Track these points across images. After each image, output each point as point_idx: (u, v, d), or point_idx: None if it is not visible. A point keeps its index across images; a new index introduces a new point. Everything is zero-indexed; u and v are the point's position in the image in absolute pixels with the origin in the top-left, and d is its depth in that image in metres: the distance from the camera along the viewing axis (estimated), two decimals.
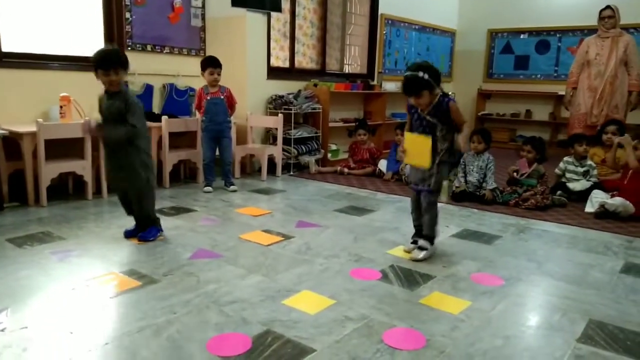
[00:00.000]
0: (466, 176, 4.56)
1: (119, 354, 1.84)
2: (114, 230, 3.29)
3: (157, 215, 3.25)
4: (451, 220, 3.80)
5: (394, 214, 3.97)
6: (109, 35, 4.64)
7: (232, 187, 4.51)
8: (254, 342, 1.94)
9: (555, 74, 8.10)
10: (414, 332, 2.07)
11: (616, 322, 2.20)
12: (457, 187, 4.48)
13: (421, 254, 2.88)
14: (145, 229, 3.14)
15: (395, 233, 3.43)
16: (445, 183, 2.96)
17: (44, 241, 3.03)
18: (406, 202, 4.32)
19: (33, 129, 3.68)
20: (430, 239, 2.95)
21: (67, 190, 4.28)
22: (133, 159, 3.00)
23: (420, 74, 2.68)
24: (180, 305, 2.25)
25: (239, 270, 2.67)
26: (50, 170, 3.82)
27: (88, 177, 4.03)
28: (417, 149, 2.82)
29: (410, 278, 2.64)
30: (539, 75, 8.28)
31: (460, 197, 4.37)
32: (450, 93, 2.61)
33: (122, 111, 2.91)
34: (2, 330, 1.98)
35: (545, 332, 2.12)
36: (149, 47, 4.87)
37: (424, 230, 2.96)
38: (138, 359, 1.81)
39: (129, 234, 3.17)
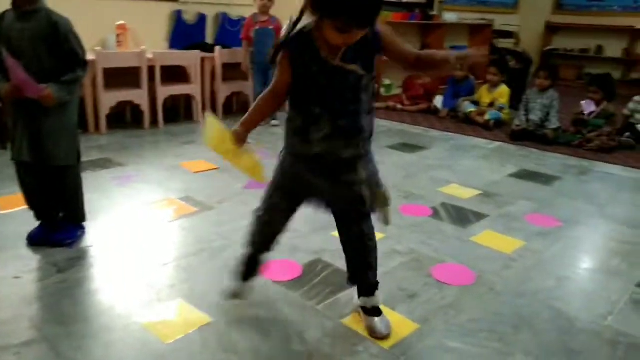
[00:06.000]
0: (528, 114, 4.34)
1: (178, 274, 1.94)
2: (171, 158, 3.39)
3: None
4: (509, 160, 3.67)
5: (448, 151, 3.87)
6: None
7: (273, 122, 4.31)
8: (304, 269, 1.99)
9: (635, 5, 7.40)
10: (463, 269, 2.06)
11: None
12: (517, 125, 4.29)
13: (384, 325, 1.62)
14: (61, 227, 2.15)
15: (448, 171, 3.36)
16: (381, 192, 1.54)
17: (105, 167, 3.16)
18: (462, 140, 4.21)
19: (91, 57, 3.75)
20: (375, 286, 1.67)
21: (124, 119, 4.40)
22: (59, 120, 1.99)
23: None
24: (235, 231, 2.31)
25: None
26: (109, 99, 3.92)
27: (145, 107, 4.12)
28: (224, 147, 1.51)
29: (462, 216, 2.60)
30: (615, 7, 7.60)
31: (520, 136, 4.19)
32: None
33: (49, 41, 1.89)
34: (71, 247, 2.11)
35: (601, 276, 2.06)
36: None
37: (363, 277, 1.64)
38: (195, 279, 1.90)
39: (35, 238, 2.11)
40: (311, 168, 1.49)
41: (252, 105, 1.53)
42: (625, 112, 4.49)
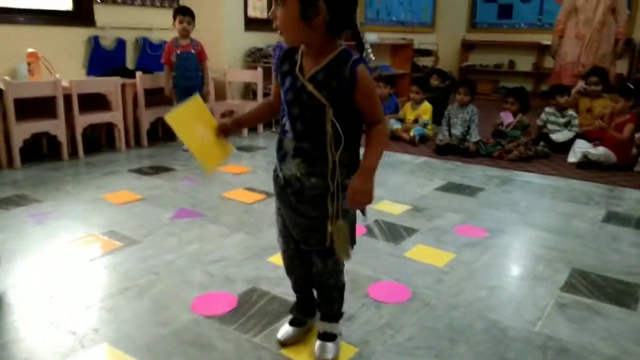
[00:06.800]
0: (450, 129, 4.52)
1: (102, 317, 1.81)
2: (92, 191, 3.21)
3: None
4: (435, 174, 3.78)
5: (378, 168, 3.93)
6: None
7: (185, 147, 4.29)
8: (239, 300, 1.93)
9: (540, 23, 7.97)
10: (398, 286, 2.07)
11: (598, 271, 2.23)
12: (441, 140, 4.45)
13: (331, 352, 1.58)
14: None
15: (378, 188, 3.36)
16: (341, 224, 1.41)
17: (19, 204, 2.94)
18: (392, 157, 4.30)
19: (0, 87, 3.51)
20: (338, 316, 1.64)
21: (41, 151, 4.14)
22: None
23: None
24: (163, 265, 2.21)
25: (221, 229, 2.63)
26: (21, 131, 3.68)
27: (62, 138, 3.90)
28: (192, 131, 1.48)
29: (394, 232, 2.63)
30: (522, 25, 8.15)
31: (444, 150, 4.35)
32: (369, 49, 1.31)
33: None
34: None
35: (529, 282, 2.14)
36: None
37: (325, 307, 1.62)
38: (121, 321, 1.78)
39: None
40: (280, 195, 1.49)
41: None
42: (539, 122, 4.78)
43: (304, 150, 1.38)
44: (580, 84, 4.84)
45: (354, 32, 1.35)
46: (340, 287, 1.59)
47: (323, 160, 1.37)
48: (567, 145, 4.34)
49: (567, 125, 4.63)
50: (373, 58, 1.23)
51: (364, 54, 1.36)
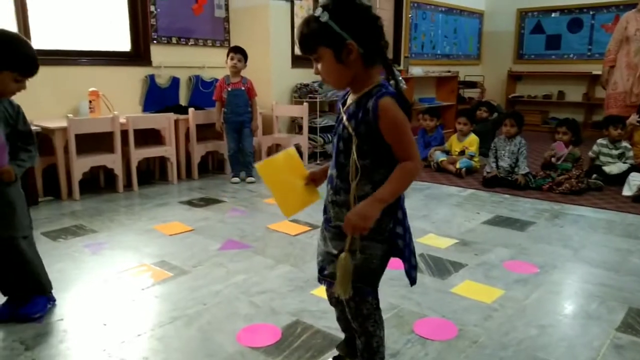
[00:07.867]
0: (497, 161, 4.45)
1: (152, 345, 1.87)
2: (145, 222, 3.34)
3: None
4: (482, 207, 3.72)
5: (422, 201, 3.91)
6: (134, 29, 4.68)
7: (249, 179, 4.47)
8: (283, 333, 1.94)
9: (589, 53, 7.82)
10: (445, 322, 2.03)
11: None
12: (488, 172, 4.39)
13: None
14: (27, 301, 2.06)
15: (424, 221, 3.38)
16: (345, 256, 1.37)
17: (77, 234, 3.10)
18: (438, 189, 4.27)
19: (64, 124, 3.75)
20: None
21: (99, 183, 4.36)
22: (16, 189, 2.01)
23: (319, 12, 1.30)
24: (211, 296, 2.26)
25: (267, 261, 2.67)
26: (81, 165, 3.89)
27: (118, 171, 4.09)
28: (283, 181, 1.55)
29: (441, 267, 2.59)
30: (571, 55, 8.01)
31: (491, 183, 4.28)
32: (399, 77, 1.38)
33: (10, 123, 1.96)
34: (40, 321, 2.02)
35: (582, 321, 2.06)
36: (174, 40, 4.90)
37: (367, 354, 1.51)
38: (170, 350, 1.83)
39: (0, 315, 2.04)
40: (323, 221, 1.52)
41: None
42: (591, 154, 4.64)
43: (332, 177, 1.43)
44: (634, 117, 4.68)
45: (382, 57, 1.35)
46: (381, 336, 1.50)
47: (345, 191, 1.38)
48: (621, 178, 4.18)
49: (620, 157, 4.47)
50: (405, 86, 1.24)
51: (395, 74, 1.38)
